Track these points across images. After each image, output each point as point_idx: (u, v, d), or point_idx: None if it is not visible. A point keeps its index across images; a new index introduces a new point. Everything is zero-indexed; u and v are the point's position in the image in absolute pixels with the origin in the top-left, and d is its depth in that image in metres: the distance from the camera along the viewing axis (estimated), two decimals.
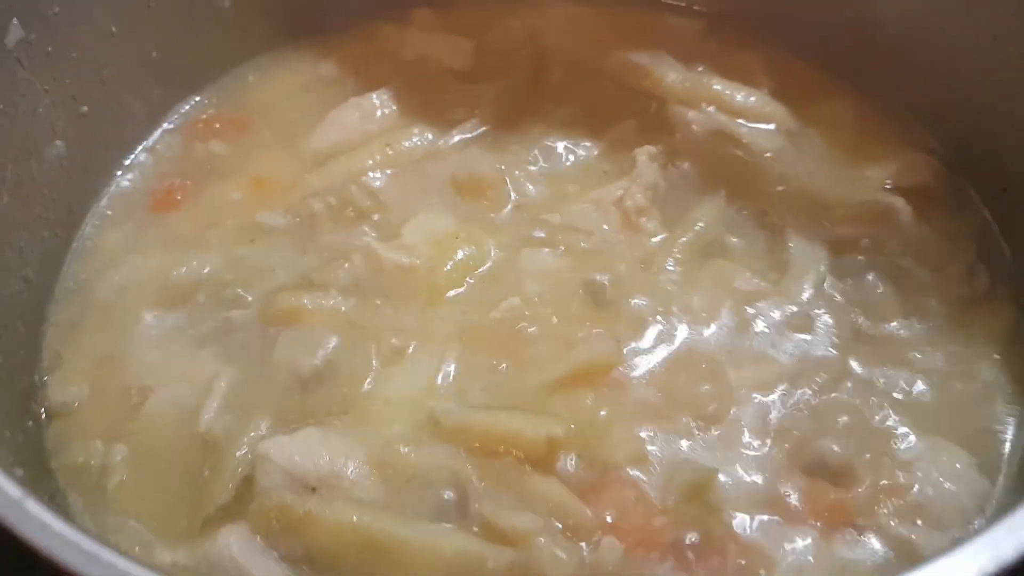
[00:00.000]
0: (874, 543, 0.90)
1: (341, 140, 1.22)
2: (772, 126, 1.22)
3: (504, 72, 1.29)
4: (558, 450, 0.93)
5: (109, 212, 1.17)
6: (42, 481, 0.94)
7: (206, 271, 1.09)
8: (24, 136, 1.05)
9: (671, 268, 1.09)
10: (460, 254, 1.09)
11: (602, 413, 0.97)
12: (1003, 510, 0.74)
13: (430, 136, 1.22)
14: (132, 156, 1.22)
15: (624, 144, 1.20)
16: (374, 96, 1.25)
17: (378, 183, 1.18)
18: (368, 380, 1.00)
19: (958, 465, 0.94)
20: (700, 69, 1.27)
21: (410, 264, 1.08)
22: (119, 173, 1.20)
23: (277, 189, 1.18)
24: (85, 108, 1.13)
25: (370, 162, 1.19)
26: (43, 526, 0.63)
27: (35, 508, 0.63)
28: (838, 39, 1.26)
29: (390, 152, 1.20)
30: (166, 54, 1.22)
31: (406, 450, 0.94)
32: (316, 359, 1.00)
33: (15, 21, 1.00)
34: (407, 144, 1.21)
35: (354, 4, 1.34)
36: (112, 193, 1.18)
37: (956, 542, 0.69)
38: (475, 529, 0.89)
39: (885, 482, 0.93)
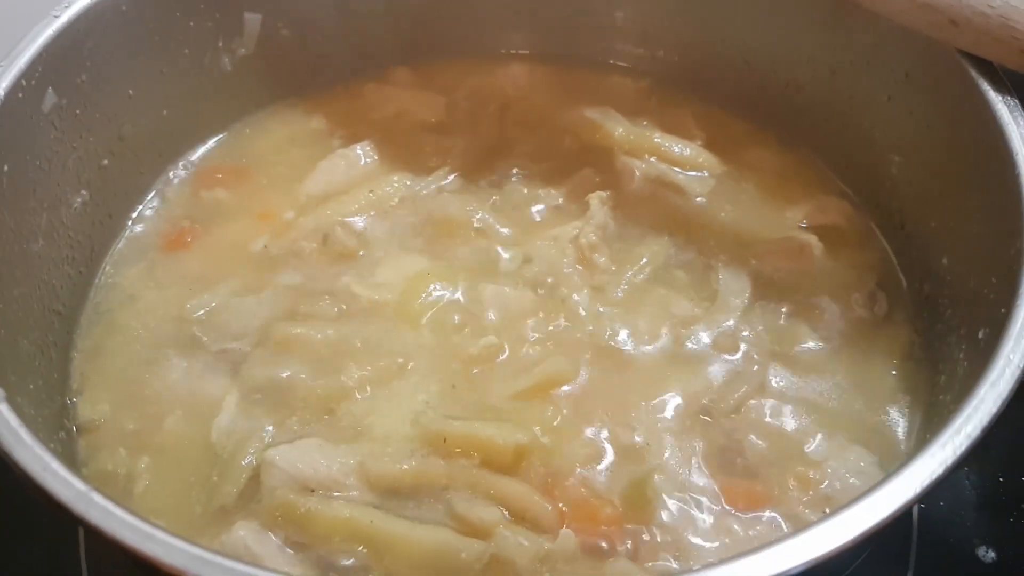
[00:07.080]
0: (783, 526, 1.04)
1: (330, 186, 1.37)
2: (705, 173, 1.38)
3: (472, 125, 1.45)
4: (523, 455, 1.07)
5: (127, 252, 1.31)
6: None
7: (214, 304, 1.23)
8: (55, 187, 1.18)
9: (619, 296, 1.23)
10: (431, 288, 1.24)
11: (556, 422, 1.11)
12: None
13: (408, 182, 1.37)
14: (146, 202, 1.36)
15: (581, 190, 1.34)
16: (358, 148, 1.41)
17: (361, 224, 1.32)
18: (356, 398, 1.13)
19: (862, 463, 1.08)
20: (644, 123, 1.42)
21: (382, 300, 1.23)
22: (134, 216, 1.34)
23: (274, 230, 1.32)
24: (106, 161, 1.27)
25: (355, 206, 1.34)
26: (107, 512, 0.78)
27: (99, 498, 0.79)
28: (762, 97, 1.42)
29: (372, 196, 1.35)
30: (175, 111, 1.36)
31: (390, 458, 1.07)
32: (309, 380, 1.15)
33: (50, 90, 1.14)
34: (387, 189, 1.36)
35: (339, 65, 1.49)
36: (129, 235, 1.33)
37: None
38: (451, 524, 1.03)
39: (798, 477, 1.07)
